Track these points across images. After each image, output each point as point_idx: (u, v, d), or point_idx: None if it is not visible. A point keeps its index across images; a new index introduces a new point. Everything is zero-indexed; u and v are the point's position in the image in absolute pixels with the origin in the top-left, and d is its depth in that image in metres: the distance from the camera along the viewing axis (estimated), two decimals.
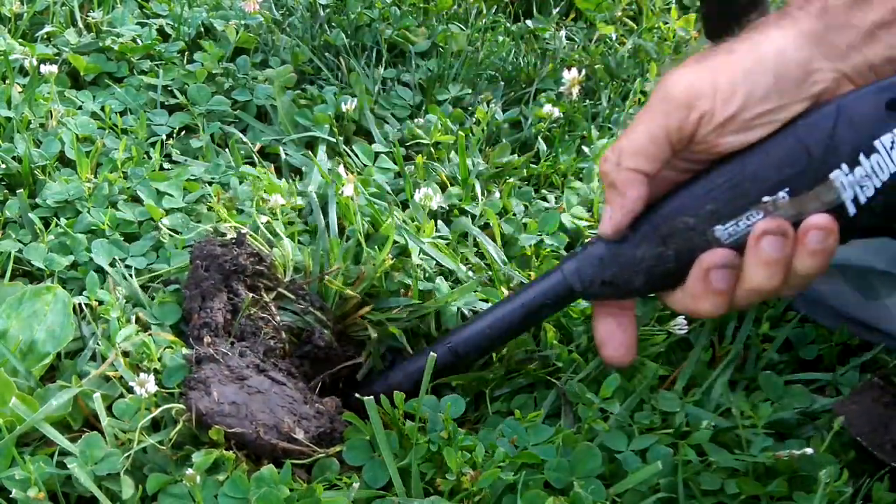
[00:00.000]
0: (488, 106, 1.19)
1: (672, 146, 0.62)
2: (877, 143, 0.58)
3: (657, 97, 0.63)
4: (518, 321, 0.73)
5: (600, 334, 0.71)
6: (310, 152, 1.08)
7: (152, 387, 0.69)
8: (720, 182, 0.62)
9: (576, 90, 1.14)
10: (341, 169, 0.99)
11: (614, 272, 0.67)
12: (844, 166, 0.59)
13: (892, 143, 0.58)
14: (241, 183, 1.00)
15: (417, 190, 0.94)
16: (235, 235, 0.87)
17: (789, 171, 0.60)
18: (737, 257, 0.61)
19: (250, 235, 0.88)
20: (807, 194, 0.59)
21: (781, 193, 0.60)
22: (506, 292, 0.88)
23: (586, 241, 0.69)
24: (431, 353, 0.72)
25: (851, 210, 0.59)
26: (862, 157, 0.58)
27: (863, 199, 0.59)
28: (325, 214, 0.95)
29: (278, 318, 0.84)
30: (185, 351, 0.77)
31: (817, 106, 0.60)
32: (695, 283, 0.63)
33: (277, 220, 0.93)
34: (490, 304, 0.87)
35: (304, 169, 1.06)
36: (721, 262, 0.61)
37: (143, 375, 0.69)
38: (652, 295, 0.73)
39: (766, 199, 0.60)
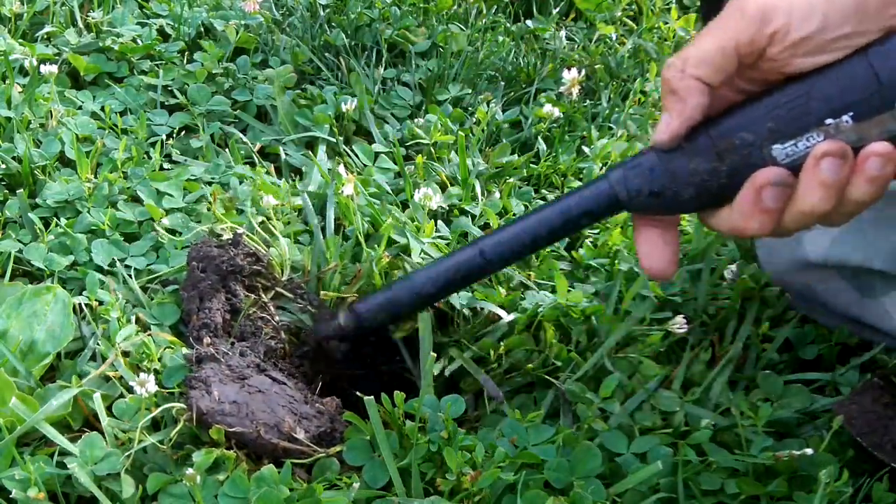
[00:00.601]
0: (488, 106, 1.19)
1: (740, 60, 0.61)
2: None
3: (731, 9, 0.61)
4: (555, 228, 0.69)
5: (643, 247, 0.68)
6: (310, 152, 1.09)
7: (152, 386, 0.69)
8: (784, 101, 0.60)
9: (576, 90, 1.14)
10: (341, 168, 0.99)
11: (664, 183, 0.64)
12: None
13: None
14: (240, 183, 1.00)
15: (417, 190, 0.94)
16: (232, 236, 0.87)
17: (856, 96, 0.59)
18: (791, 178, 0.60)
19: (247, 236, 0.88)
20: (871, 121, 0.59)
21: (845, 117, 0.59)
22: (504, 292, 0.88)
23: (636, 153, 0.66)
24: (425, 314, 0.72)
25: None
26: None
27: None
28: (323, 214, 0.95)
29: (277, 318, 0.84)
30: (185, 351, 0.77)
31: (890, 36, 0.59)
32: (745, 201, 0.61)
33: (271, 220, 0.93)
34: (489, 301, 0.87)
35: (304, 169, 1.06)
36: (776, 180, 0.60)
37: (143, 375, 0.69)
38: (694, 212, 0.69)
39: (829, 121, 0.59)
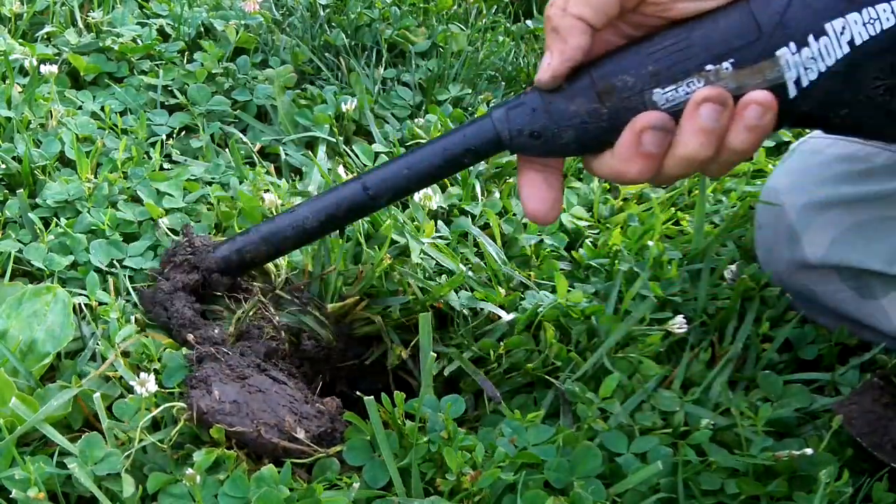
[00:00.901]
0: (488, 106, 1.19)
1: (622, 2, 0.61)
2: (827, 26, 0.58)
3: None
4: (438, 164, 0.70)
5: (525, 189, 0.68)
6: (310, 152, 1.09)
7: (153, 386, 0.69)
8: (665, 45, 0.61)
9: None
10: (340, 169, 0.99)
11: (544, 124, 0.64)
12: (792, 45, 0.58)
13: (843, 28, 0.58)
14: (240, 183, 1.00)
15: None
16: (185, 233, 0.88)
17: (737, 43, 0.59)
18: (671, 123, 0.60)
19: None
20: (751, 68, 0.59)
21: (725, 64, 0.59)
22: (504, 292, 0.88)
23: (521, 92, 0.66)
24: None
25: (792, 91, 0.59)
26: (811, 39, 0.58)
27: (805, 83, 0.59)
28: None
29: (277, 318, 0.84)
30: (185, 351, 0.77)
31: None
32: (625, 145, 0.61)
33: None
34: (487, 301, 0.87)
35: (304, 169, 1.06)
36: (655, 124, 0.60)
37: (143, 375, 0.69)
38: (576, 156, 0.70)
39: (709, 67, 0.60)
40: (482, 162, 1.08)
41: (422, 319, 0.76)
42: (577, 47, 0.61)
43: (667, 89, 0.61)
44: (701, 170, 0.62)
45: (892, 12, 0.57)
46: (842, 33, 0.58)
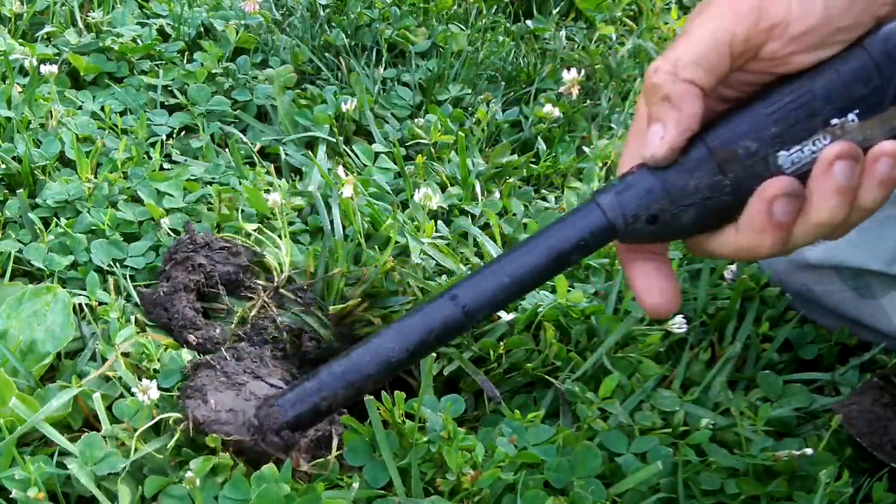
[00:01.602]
0: (488, 106, 1.19)
1: (733, 59, 0.55)
2: None
3: (720, 3, 0.55)
4: (544, 268, 0.60)
5: (640, 282, 0.60)
6: (310, 152, 1.09)
7: (155, 393, 0.69)
8: (786, 102, 0.55)
9: (576, 90, 1.14)
10: (340, 169, 0.99)
11: (663, 205, 0.57)
12: None
13: None
14: (240, 183, 1.00)
15: (417, 190, 0.94)
16: (188, 231, 0.88)
17: (861, 91, 0.54)
18: (801, 188, 0.55)
19: (242, 237, 0.89)
20: (878, 117, 0.54)
21: (851, 116, 0.55)
22: None
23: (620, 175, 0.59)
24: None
25: None
26: None
27: None
28: (328, 214, 0.95)
29: (279, 319, 0.84)
30: (185, 353, 0.77)
31: (880, 25, 0.55)
32: (754, 216, 0.55)
33: (271, 220, 0.93)
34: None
35: (304, 169, 1.06)
36: (787, 191, 0.54)
37: (145, 381, 0.69)
38: (686, 238, 0.61)
39: (834, 121, 0.55)
40: (483, 163, 1.08)
41: None
42: (692, 115, 0.55)
43: (792, 151, 0.55)
44: (830, 234, 0.56)
45: None
46: None
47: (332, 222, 0.94)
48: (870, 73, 0.55)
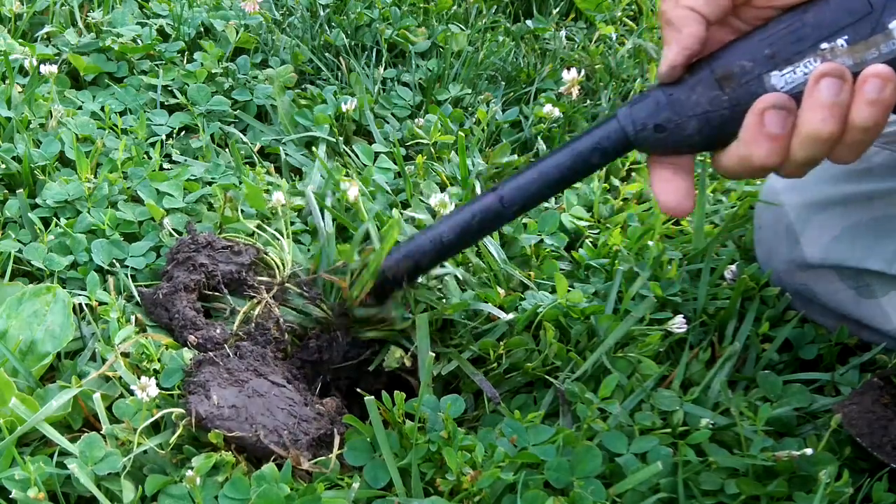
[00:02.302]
0: (488, 106, 1.19)
1: None
2: None
3: None
4: (569, 168, 0.70)
5: (657, 185, 0.68)
6: (310, 152, 1.08)
7: (154, 390, 0.69)
8: (779, 28, 0.62)
9: (576, 90, 1.14)
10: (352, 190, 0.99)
11: (667, 116, 0.65)
12: None
13: None
14: (240, 183, 1.00)
15: (434, 195, 0.94)
16: (189, 232, 0.88)
17: (849, 19, 0.60)
18: (792, 104, 0.61)
19: (245, 238, 0.89)
20: (865, 42, 0.60)
21: (840, 41, 0.61)
22: (504, 293, 0.88)
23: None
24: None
25: None
26: None
27: None
28: (321, 214, 0.95)
29: (281, 319, 0.84)
30: (186, 352, 0.77)
31: None
32: (749, 129, 0.62)
33: (272, 220, 0.93)
34: (489, 303, 0.87)
35: (304, 169, 1.06)
36: (776, 103, 0.61)
37: (144, 379, 0.69)
38: (705, 154, 0.70)
39: (824, 45, 0.61)
40: (483, 163, 1.08)
41: (419, 320, 0.76)
42: (691, 35, 0.62)
43: (785, 71, 0.62)
44: (830, 153, 0.62)
45: None
46: None
47: (333, 221, 0.94)
48: (858, 4, 0.61)
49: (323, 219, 0.95)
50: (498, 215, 0.73)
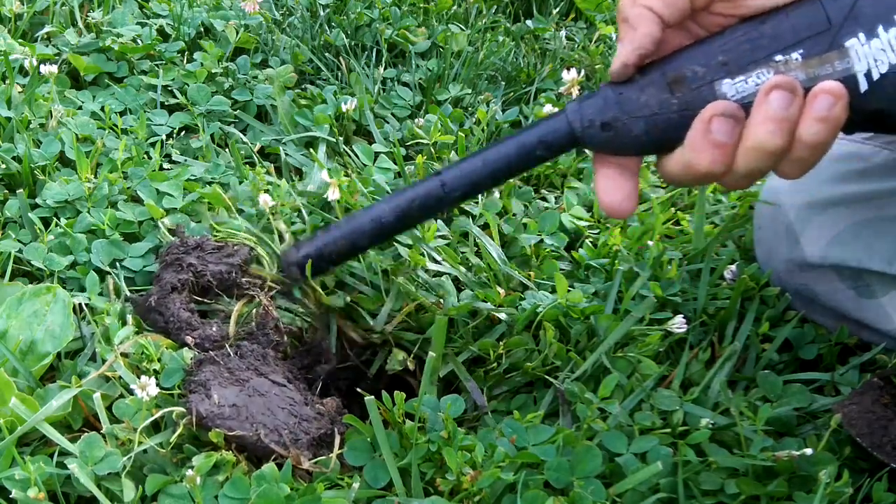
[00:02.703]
0: (488, 106, 1.19)
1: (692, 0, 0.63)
2: None
3: None
4: (513, 159, 0.69)
5: (601, 182, 0.67)
6: (310, 152, 1.08)
7: (153, 389, 0.69)
8: (735, 36, 0.62)
9: (576, 90, 1.14)
10: (324, 174, 0.99)
11: (615, 114, 0.64)
12: (862, 35, 0.59)
13: None
14: (240, 183, 1.00)
15: None
16: (178, 233, 0.88)
17: (806, 33, 0.60)
18: (741, 113, 0.60)
19: (245, 237, 0.88)
20: (819, 58, 0.60)
21: (795, 55, 0.60)
22: (504, 293, 0.88)
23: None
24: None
25: (863, 85, 0.59)
26: (881, 29, 0.59)
27: (875, 75, 0.59)
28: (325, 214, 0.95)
29: (281, 321, 0.84)
30: (186, 352, 0.77)
31: None
32: (695, 135, 0.61)
33: (270, 220, 0.93)
34: (488, 303, 0.87)
35: (304, 169, 1.06)
36: (724, 111, 0.60)
37: (143, 378, 0.69)
38: (649, 157, 0.70)
39: (778, 58, 0.60)
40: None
41: (437, 323, 0.76)
42: (645, 34, 0.61)
43: (736, 80, 0.61)
44: (776, 166, 0.62)
45: None
46: None
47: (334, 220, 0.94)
48: (817, 20, 0.60)
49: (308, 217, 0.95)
50: (439, 200, 0.72)
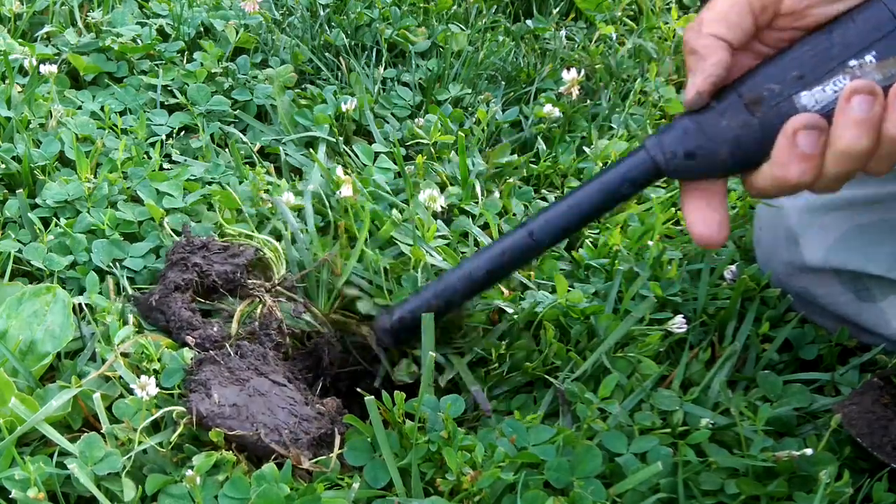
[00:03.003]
0: (488, 106, 1.19)
1: (755, 17, 0.64)
2: None
3: None
4: (600, 200, 0.71)
5: (690, 214, 0.68)
6: (311, 152, 1.08)
7: (153, 389, 0.69)
8: (806, 49, 0.63)
9: (576, 90, 1.14)
10: (339, 170, 0.99)
11: (699, 143, 0.65)
12: None
13: None
14: (240, 183, 1.00)
15: (422, 191, 0.94)
16: (185, 234, 0.88)
17: (876, 35, 0.61)
18: (824, 123, 0.61)
19: (245, 236, 0.88)
20: (893, 58, 0.61)
21: (868, 57, 0.62)
22: (505, 292, 0.88)
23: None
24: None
25: None
26: None
27: None
28: (323, 214, 0.95)
29: (284, 322, 0.84)
30: (186, 351, 0.77)
31: None
32: (781, 150, 0.62)
33: (270, 220, 0.93)
34: (489, 299, 0.87)
35: (304, 169, 1.06)
36: (807, 124, 0.61)
37: (143, 378, 0.69)
38: (736, 177, 0.70)
39: (852, 62, 0.62)
40: (483, 163, 1.08)
41: (424, 321, 0.76)
42: (716, 63, 0.63)
43: (814, 90, 0.62)
44: (864, 166, 0.62)
45: None
46: None
47: (333, 222, 0.94)
48: (884, 21, 0.61)
49: (333, 219, 0.95)
50: (529, 249, 0.73)
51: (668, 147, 0.66)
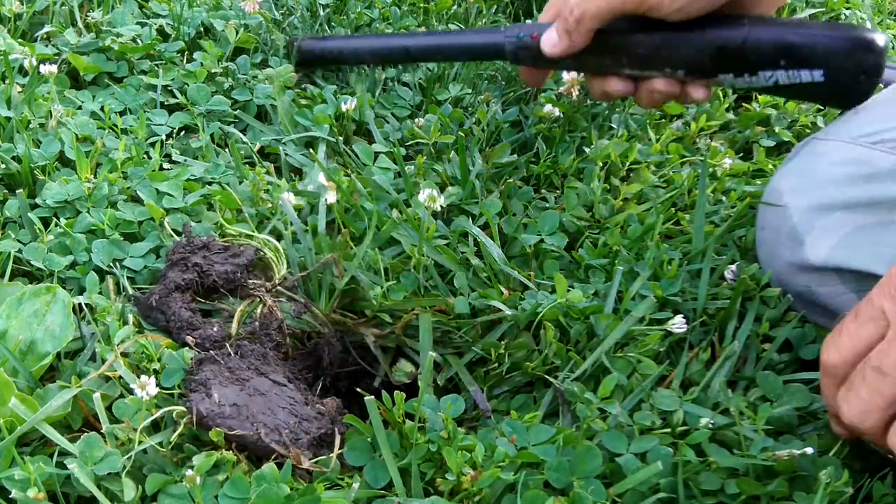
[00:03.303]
0: (488, 106, 1.19)
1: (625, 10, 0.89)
2: None
3: None
4: (448, 52, 1.05)
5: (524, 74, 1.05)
6: (310, 152, 1.08)
7: (153, 389, 0.69)
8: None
9: (576, 90, 1.14)
10: (322, 178, 0.99)
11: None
12: None
13: None
14: (240, 183, 1.00)
15: (422, 191, 0.94)
16: (185, 234, 0.88)
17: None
18: None
19: (245, 236, 0.88)
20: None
21: None
22: (505, 292, 0.88)
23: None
24: None
25: None
26: None
27: None
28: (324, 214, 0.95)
29: (284, 322, 0.84)
30: (187, 351, 0.77)
31: None
32: None
33: (270, 220, 0.93)
34: (489, 299, 0.87)
35: (304, 169, 1.06)
36: None
37: (143, 378, 0.69)
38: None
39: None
40: (483, 163, 1.08)
41: (421, 321, 0.76)
42: (582, 43, 0.99)
43: None
44: None
45: None
46: None
47: (332, 222, 0.94)
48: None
49: (330, 220, 0.95)
50: (401, 57, 1.09)
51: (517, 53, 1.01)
